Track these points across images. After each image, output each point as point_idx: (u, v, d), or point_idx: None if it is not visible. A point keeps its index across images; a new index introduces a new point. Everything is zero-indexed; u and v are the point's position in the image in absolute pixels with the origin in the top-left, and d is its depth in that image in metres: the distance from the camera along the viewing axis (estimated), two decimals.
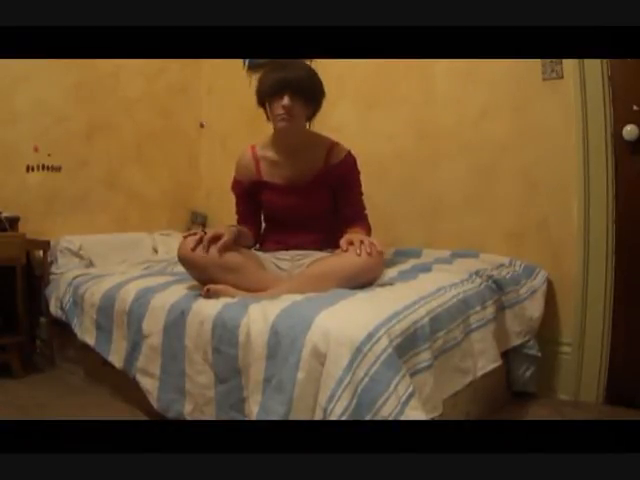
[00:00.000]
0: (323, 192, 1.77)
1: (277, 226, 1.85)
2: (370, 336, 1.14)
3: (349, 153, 1.79)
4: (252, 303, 1.40)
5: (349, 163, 1.78)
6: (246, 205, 1.85)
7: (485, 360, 1.47)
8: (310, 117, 1.77)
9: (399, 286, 1.53)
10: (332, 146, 1.78)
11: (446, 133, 2.18)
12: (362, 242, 1.46)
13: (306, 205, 1.76)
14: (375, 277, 1.51)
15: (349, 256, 1.45)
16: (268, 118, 1.73)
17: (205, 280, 1.56)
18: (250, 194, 1.82)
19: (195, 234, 1.59)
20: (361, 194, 1.83)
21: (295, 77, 1.62)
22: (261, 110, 2.02)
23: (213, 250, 1.53)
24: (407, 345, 1.20)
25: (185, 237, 1.61)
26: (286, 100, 1.59)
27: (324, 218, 1.81)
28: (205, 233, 1.58)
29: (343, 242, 1.49)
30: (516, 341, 1.72)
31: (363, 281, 1.48)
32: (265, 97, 1.67)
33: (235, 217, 1.92)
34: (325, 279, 1.46)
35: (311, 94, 1.66)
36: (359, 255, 1.43)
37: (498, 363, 1.52)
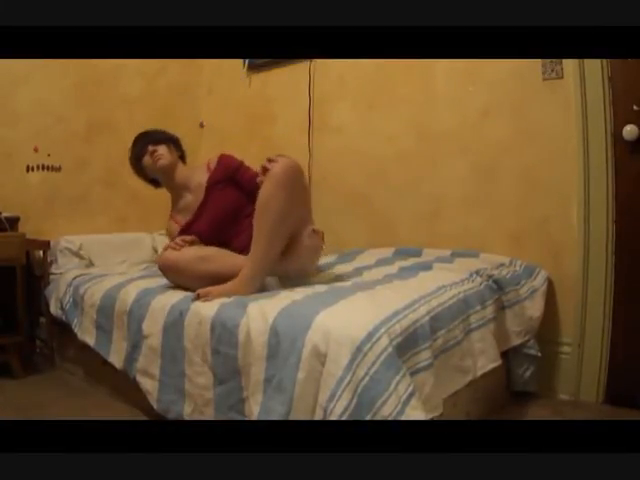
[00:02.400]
0: (225, 191, 1.87)
1: (230, 243, 1.85)
2: (370, 336, 1.14)
3: (222, 154, 1.95)
4: (250, 302, 1.40)
5: (224, 160, 1.93)
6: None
7: (485, 359, 1.47)
8: (182, 156, 2.03)
9: (399, 284, 1.53)
10: (208, 161, 1.96)
11: (446, 133, 2.18)
12: (268, 160, 1.55)
13: (224, 208, 1.86)
14: (299, 168, 1.58)
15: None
16: (158, 184, 2.02)
17: (188, 282, 1.64)
18: None
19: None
20: (255, 172, 1.87)
21: (146, 138, 1.95)
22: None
23: (187, 248, 1.68)
24: (407, 344, 1.20)
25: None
26: (150, 148, 1.89)
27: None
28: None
29: (259, 179, 1.58)
30: (516, 341, 1.72)
31: (296, 179, 1.55)
32: (139, 166, 1.95)
33: None
34: (264, 208, 1.52)
35: (166, 138, 1.98)
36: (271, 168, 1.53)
37: (498, 363, 1.52)
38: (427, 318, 1.29)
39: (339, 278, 1.75)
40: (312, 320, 1.22)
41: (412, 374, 1.16)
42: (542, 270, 1.87)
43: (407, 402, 1.08)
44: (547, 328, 1.87)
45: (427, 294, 1.40)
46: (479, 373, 1.44)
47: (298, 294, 1.43)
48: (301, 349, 1.19)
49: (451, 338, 1.35)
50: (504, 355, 1.67)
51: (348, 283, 1.60)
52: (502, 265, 1.85)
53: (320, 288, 1.52)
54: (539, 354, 1.79)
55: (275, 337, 1.25)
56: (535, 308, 1.79)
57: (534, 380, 1.81)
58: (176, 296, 1.61)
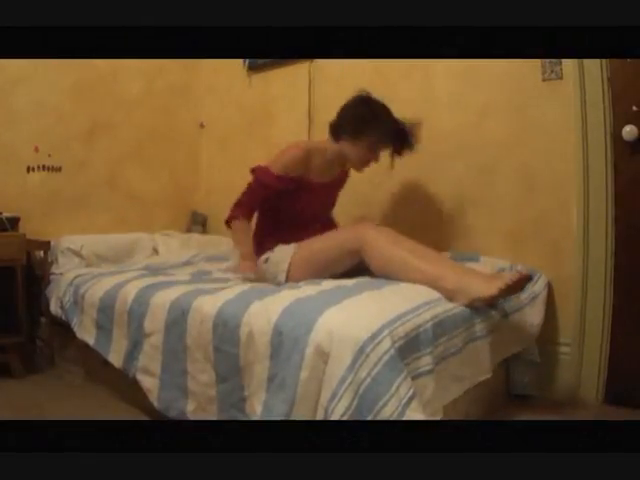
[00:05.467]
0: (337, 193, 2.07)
1: (294, 228, 1.87)
2: (373, 337, 1.14)
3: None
4: (254, 301, 1.39)
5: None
6: (265, 201, 1.87)
7: (480, 370, 1.44)
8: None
9: (405, 286, 1.51)
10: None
11: (446, 133, 2.18)
12: None
13: (328, 204, 2.07)
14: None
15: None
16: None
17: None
18: (281, 191, 1.83)
19: None
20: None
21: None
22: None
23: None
24: (410, 348, 1.20)
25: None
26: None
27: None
28: None
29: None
30: (516, 348, 1.70)
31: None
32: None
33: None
34: None
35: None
36: None
37: (489, 375, 1.47)
38: (430, 324, 1.28)
39: (344, 275, 1.73)
40: (316, 320, 1.22)
41: (413, 378, 1.16)
42: (542, 275, 1.85)
43: (408, 404, 1.08)
44: (547, 328, 1.87)
45: (432, 300, 1.39)
46: (474, 383, 1.42)
47: (302, 292, 1.42)
48: (304, 348, 1.19)
49: (452, 346, 1.34)
50: (504, 359, 1.66)
51: (353, 281, 1.59)
52: (503, 269, 1.83)
53: (326, 286, 1.52)
54: (539, 360, 1.78)
55: (278, 336, 1.26)
56: (536, 315, 1.76)
57: (534, 384, 1.80)
58: (174, 292, 1.62)
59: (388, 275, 1.56)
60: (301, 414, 1.17)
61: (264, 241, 1.87)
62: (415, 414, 1.08)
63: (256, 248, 1.88)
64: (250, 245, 1.86)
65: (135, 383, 1.65)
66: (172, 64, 2.98)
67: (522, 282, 1.46)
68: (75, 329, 1.96)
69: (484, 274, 1.54)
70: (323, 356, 1.16)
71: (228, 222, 1.86)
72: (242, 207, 1.85)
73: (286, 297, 1.39)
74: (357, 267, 1.68)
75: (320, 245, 1.73)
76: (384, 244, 1.59)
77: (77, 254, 2.33)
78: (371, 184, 2.41)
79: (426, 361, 1.22)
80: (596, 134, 1.78)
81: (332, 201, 2.07)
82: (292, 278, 1.69)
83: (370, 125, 1.81)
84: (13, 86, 2.36)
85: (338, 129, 1.88)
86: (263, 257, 1.81)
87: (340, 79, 2.51)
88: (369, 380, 1.10)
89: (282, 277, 1.71)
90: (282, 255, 1.75)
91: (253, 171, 1.86)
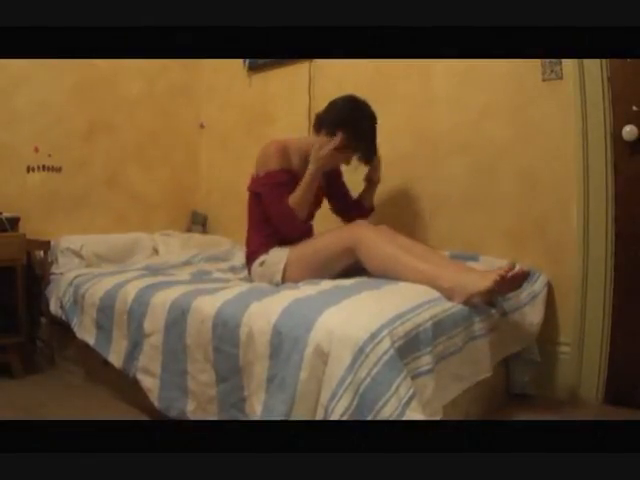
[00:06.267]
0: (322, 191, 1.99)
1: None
2: (373, 337, 1.14)
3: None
4: (253, 301, 1.40)
5: None
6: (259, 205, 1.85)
7: (479, 369, 1.44)
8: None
9: (404, 287, 1.52)
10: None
11: (445, 133, 2.18)
12: None
13: (315, 202, 1.95)
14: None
15: None
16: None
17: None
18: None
19: None
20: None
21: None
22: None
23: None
24: (409, 348, 1.20)
25: None
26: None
27: None
28: None
29: None
30: (516, 348, 1.70)
31: None
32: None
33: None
34: None
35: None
36: None
37: (488, 374, 1.47)
38: (430, 323, 1.28)
39: (343, 275, 1.74)
40: (315, 320, 1.22)
41: (413, 377, 1.16)
42: (542, 275, 1.85)
43: (407, 404, 1.08)
44: (546, 328, 1.87)
45: (432, 299, 1.39)
46: (474, 381, 1.42)
47: (301, 292, 1.42)
48: (304, 348, 1.19)
49: (451, 345, 1.34)
50: (504, 358, 1.66)
51: (351, 281, 1.59)
52: (502, 268, 1.82)
53: (325, 286, 1.52)
54: (539, 359, 1.78)
55: (277, 337, 1.26)
56: (535, 314, 1.76)
57: (533, 384, 1.80)
58: (174, 292, 1.62)
59: (384, 274, 1.56)
60: (301, 414, 1.17)
61: (258, 244, 1.86)
62: (415, 414, 1.08)
63: (250, 252, 1.88)
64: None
65: (135, 383, 1.65)
66: (172, 64, 2.98)
67: (519, 277, 1.47)
68: (75, 329, 1.96)
69: (480, 270, 1.54)
70: (322, 356, 1.16)
71: (300, 226, 1.80)
72: (282, 204, 1.76)
73: (285, 297, 1.39)
74: (355, 267, 1.68)
75: (315, 245, 1.73)
76: (380, 243, 1.59)
77: (77, 254, 2.33)
78: None
79: (426, 361, 1.22)
80: (596, 134, 1.78)
81: (318, 200, 1.98)
82: (289, 279, 1.70)
83: (348, 125, 1.81)
84: (14, 86, 2.36)
85: (321, 122, 1.89)
86: (258, 260, 1.82)
87: (340, 79, 2.51)
88: (369, 380, 1.10)
89: (278, 277, 1.71)
90: (278, 256, 1.75)
91: (253, 185, 1.86)
